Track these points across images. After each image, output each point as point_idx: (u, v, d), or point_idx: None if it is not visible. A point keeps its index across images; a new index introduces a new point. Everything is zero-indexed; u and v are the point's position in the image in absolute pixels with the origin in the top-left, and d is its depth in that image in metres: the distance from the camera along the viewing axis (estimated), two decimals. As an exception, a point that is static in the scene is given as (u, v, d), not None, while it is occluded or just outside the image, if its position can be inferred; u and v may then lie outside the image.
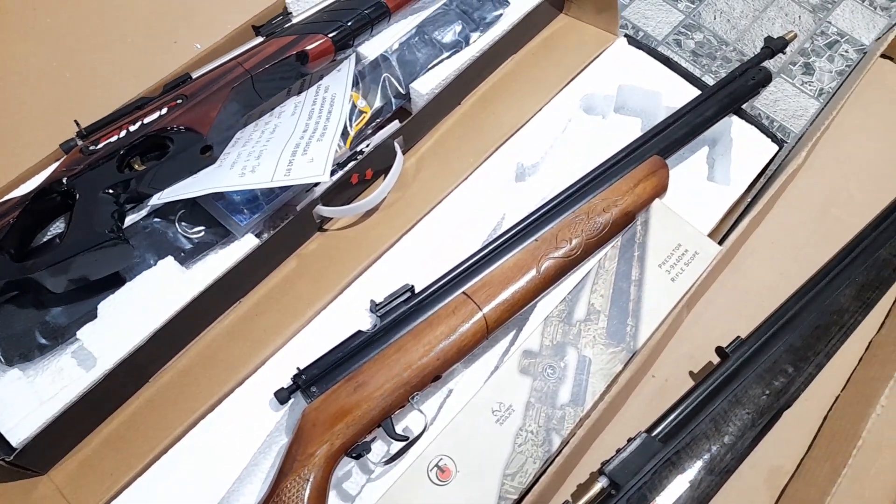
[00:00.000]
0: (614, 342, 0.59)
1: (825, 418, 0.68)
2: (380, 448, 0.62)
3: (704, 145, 0.84)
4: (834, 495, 0.60)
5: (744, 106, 0.84)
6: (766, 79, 0.81)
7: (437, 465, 0.53)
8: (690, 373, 0.70)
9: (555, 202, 0.69)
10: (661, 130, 0.75)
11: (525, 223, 0.68)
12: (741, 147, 0.80)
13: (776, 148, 0.81)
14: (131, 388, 0.61)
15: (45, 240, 0.64)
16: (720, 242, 0.68)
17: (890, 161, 0.82)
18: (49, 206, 0.63)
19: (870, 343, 0.72)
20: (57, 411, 0.55)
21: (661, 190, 0.71)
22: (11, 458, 0.53)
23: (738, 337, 0.66)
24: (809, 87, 0.93)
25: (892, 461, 0.65)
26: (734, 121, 0.82)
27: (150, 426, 0.60)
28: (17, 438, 0.54)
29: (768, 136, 0.81)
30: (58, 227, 0.66)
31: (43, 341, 0.59)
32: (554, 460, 0.57)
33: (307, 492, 0.53)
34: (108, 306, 0.60)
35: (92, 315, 0.60)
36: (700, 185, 0.79)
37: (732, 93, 0.79)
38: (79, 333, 0.59)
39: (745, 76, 0.80)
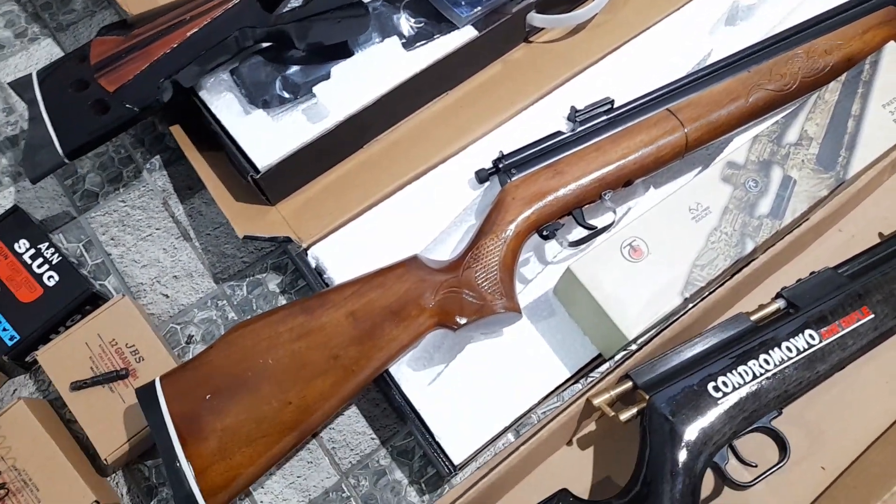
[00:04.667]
0: (823, 168, 0.59)
1: None
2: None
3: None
4: None
5: None
6: None
7: (630, 245, 0.56)
8: (880, 234, 0.68)
9: (773, 40, 0.67)
10: (902, -17, 0.70)
11: (738, 56, 0.67)
12: None
13: None
14: (350, 147, 0.68)
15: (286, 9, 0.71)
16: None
17: None
18: (297, -26, 0.69)
19: None
20: (295, 147, 0.63)
21: (891, 41, 0.67)
22: (259, 176, 0.61)
23: (947, 200, 0.63)
24: None
25: None
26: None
27: (363, 183, 0.67)
28: (261, 163, 0.62)
29: None
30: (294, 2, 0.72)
31: (283, 94, 0.67)
32: (738, 272, 0.59)
33: (503, 251, 0.59)
34: (340, 70, 0.66)
35: (326, 76, 0.66)
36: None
37: None
38: (315, 89, 0.65)
39: None
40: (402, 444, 0.62)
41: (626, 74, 0.72)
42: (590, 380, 0.63)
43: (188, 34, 0.63)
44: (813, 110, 0.61)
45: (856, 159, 0.59)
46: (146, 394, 0.52)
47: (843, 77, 0.62)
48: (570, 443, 0.60)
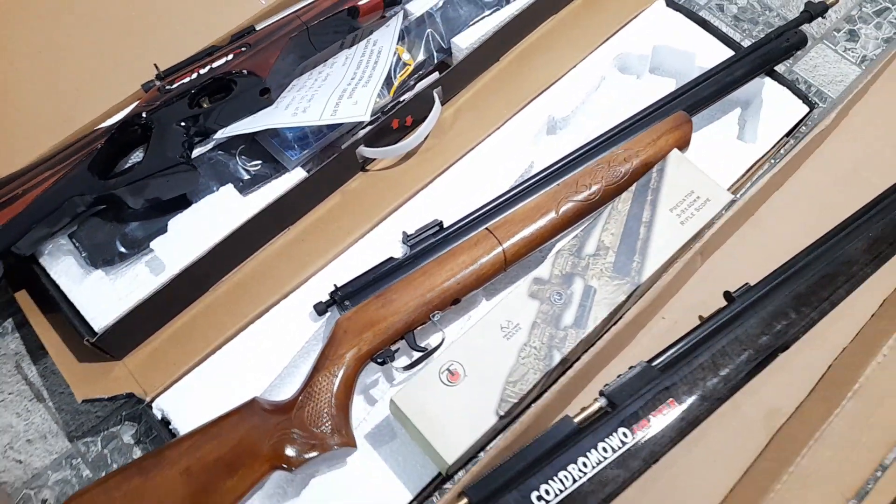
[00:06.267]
0: (620, 276, 0.64)
1: (830, 367, 0.71)
2: (403, 363, 0.69)
3: (737, 107, 0.86)
4: (824, 432, 0.63)
5: (781, 70, 0.86)
6: (801, 42, 0.82)
7: (448, 369, 0.60)
8: (700, 317, 0.73)
9: (580, 151, 0.74)
10: (691, 88, 0.78)
11: (550, 169, 0.73)
12: (771, 107, 0.82)
13: (807, 109, 0.82)
14: (194, 294, 0.70)
15: (125, 167, 0.74)
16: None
17: (928, 127, 0.82)
18: (131, 137, 0.73)
19: (884, 301, 0.74)
20: (132, 305, 0.65)
21: (682, 144, 0.75)
22: (94, 339, 0.63)
23: (747, 283, 0.69)
24: (852, 53, 0.93)
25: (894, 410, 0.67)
26: (766, 82, 0.83)
27: (207, 327, 0.69)
28: (98, 325, 0.64)
29: (800, 97, 0.83)
30: (136, 157, 0.76)
31: (122, 250, 0.69)
32: (557, 380, 0.63)
33: (336, 386, 0.61)
34: (177, 223, 0.70)
35: (163, 230, 0.70)
36: (728, 144, 0.82)
37: (765, 54, 0.81)
38: (152, 244, 0.68)
39: (781, 38, 0.81)
40: (256, 590, 0.63)
41: (456, 194, 0.77)
42: (442, 491, 0.65)
43: (17, 211, 0.65)
44: (608, 221, 0.67)
45: (648, 263, 0.65)
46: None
47: (633, 187, 0.69)
48: (419, 566, 0.61)
